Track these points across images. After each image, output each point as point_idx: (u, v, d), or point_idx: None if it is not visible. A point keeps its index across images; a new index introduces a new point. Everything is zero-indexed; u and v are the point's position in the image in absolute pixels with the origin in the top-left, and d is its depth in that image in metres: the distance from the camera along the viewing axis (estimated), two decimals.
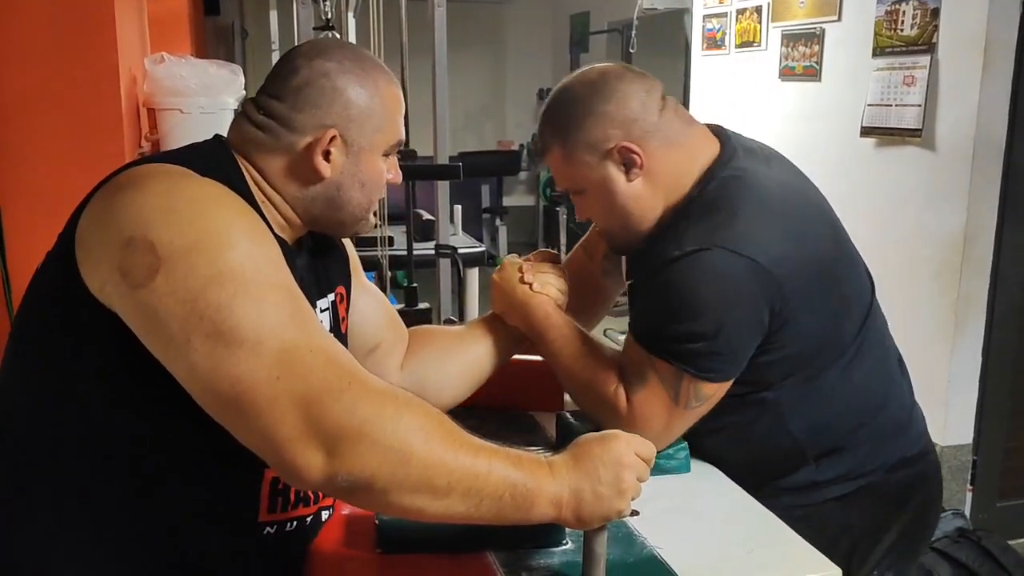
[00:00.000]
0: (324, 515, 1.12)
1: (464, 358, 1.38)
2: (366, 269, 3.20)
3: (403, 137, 1.13)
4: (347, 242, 1.29)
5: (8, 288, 1.72)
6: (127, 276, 0.86)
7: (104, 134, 1.78)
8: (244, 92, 2.09)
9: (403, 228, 2.82)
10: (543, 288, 1.37)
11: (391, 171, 1.13)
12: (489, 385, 1.56)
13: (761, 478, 1.32)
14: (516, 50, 7.85)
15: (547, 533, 1.08)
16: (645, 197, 1.29)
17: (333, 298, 1.18)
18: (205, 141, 1.08)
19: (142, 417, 0.94)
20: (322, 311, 1.14)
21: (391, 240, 2.90)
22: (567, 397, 1.56)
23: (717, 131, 1.36)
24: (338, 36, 2.83)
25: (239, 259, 0.88)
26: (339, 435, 0.85)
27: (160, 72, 1.92)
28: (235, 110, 1.14)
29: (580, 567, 1.00)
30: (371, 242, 2.79)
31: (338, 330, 1.19)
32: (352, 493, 0.89)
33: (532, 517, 0.95)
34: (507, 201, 7.72)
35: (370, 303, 1.32)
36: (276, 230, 1.03)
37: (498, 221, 7.41)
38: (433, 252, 2.76)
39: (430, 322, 2.69)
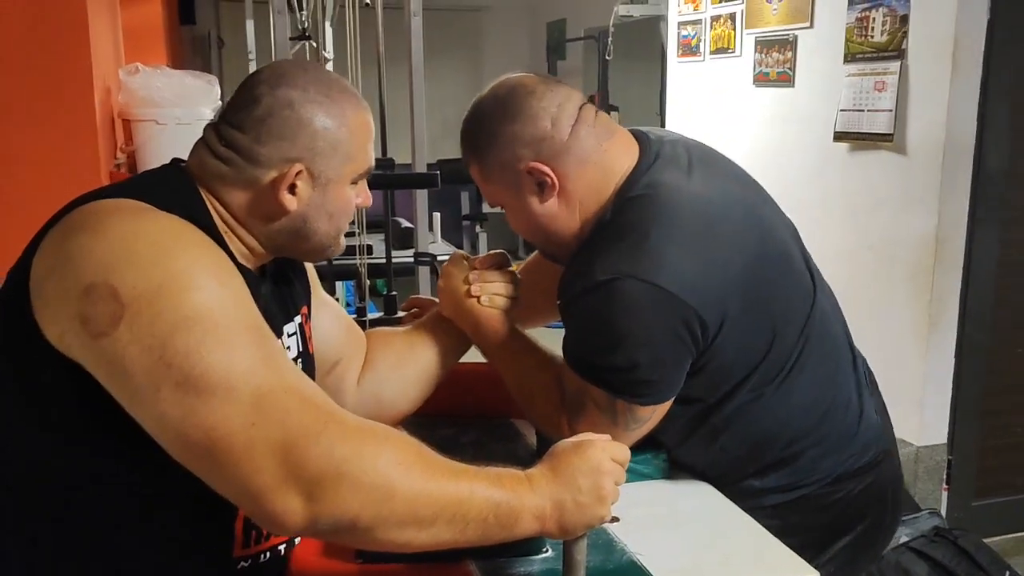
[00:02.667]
0: (297, 539, 1.10)
1: (418, 366, 1.35)
2: (344, 278, 3.20)
3: (372, 164, 1.09)
4: None
5: None
6: (88, 325, 0.83)
7: (79, 145, 1.77)
8: (220, 103, 2.08)
9: (382, 236, 2.81)
10: (491, 301, 1.33)
11: (360, 195, 1.10)
12: (469, 393, 1.57)
13: (712, 477, 1.34)
14: (494, 58, 7.87)
15: (527, 541, 1.08)
16: (561, 217, 1.27)
17: (299, 320, 1.16)
18: (164, 168, 1.04)
19: (108, 461, 0.91)
20: (290, 335, 1.12)
21: (370, 248, 2.90)
22: None
23: (639, 138, 1.31)
24: (315, 45, 2.82)
25: (205, 301, 0.85)
26: (319, 479, 0.83)
27: (135, 83, 1.91)
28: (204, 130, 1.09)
29: (561, 575, 1.01)
30: (350, 251, 2.79)
31: (307, 351, 1.17)
32: (336, 534, 0.87)
33: (517, 534, 0.94)
34: (487, 208, 7.73)
35: (329, 318, 1.28)
36: (240, 260, 1.01)
37: (478, 228, 7.41)
38: (412, 260, 2.76)
39: None
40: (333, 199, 1.04)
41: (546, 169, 1.23)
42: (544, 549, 1.10)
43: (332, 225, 1.06)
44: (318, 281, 1.30)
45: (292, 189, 1.00)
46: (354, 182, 1.07)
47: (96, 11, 1.82)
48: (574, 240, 1.28)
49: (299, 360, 1.13)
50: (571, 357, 1.26)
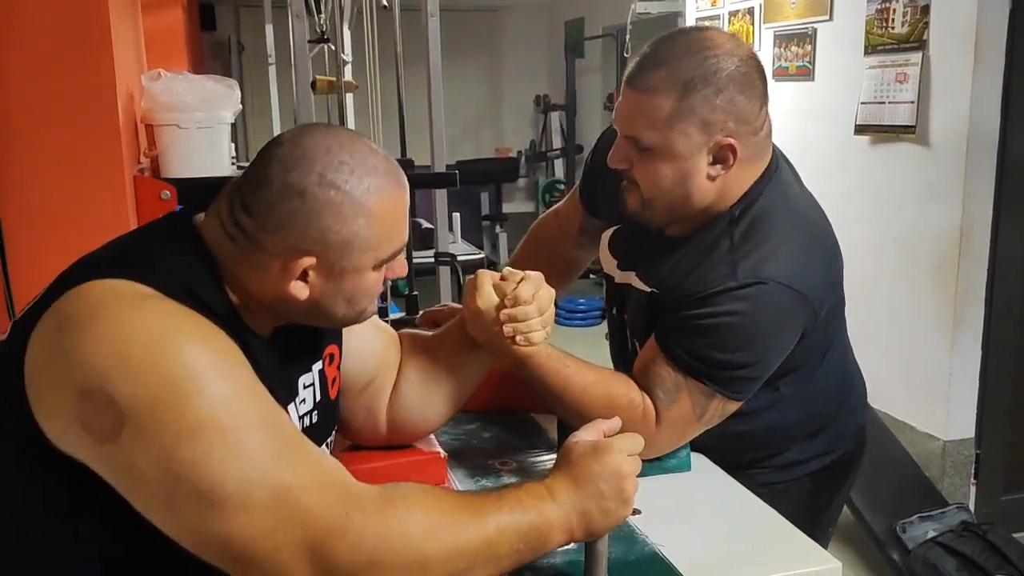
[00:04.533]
0: None
1: (447, 385, 1.27)
2: None
3: (403, 244, 0.98)
4: None
5: (11, 301, 1.73)
6: (89, 430, 0.79)
7: (102, 150, 1.80)
8: (240, 106, 2.11)
9: None
10: (528, 339, 1.19)
11: (392, 270, 1.00)
12: (491, 388, 1.58)
13: (747, 459, 1.38)
14: (512, 58, 7.88)
15: None
16: (709, 193, 1.24)
17: (321, 365, 1.10)
18: (175, 229, 0.95)
19: (104, 545, 0.88)
20: (306, 387, 1.07)
21: None
22: None
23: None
24: (333, 48, 2.84)
25: (208, 407, 0.80)
26: (352, 571, 0.83)
27: (157, 88, 1.93)
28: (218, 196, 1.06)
29: (583, 566, 1.02)
30: None
31: (326, 398, 1.11)
32: None
33: (548, 549, 0.95)
34: (507, 208, 7.73)
35: (363, 341, 1.20)
36: (252, 326, 0.96)
37: (498, 228, 7.42)
38: (432, 260, 2.77)
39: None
40: (352, 287, 0.95)
41: (737, 148, 1.20)
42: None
43: (352, 308, 0.98)
44: None
45: (304, 276, 0.93)
46: (378, 267, 0.97)
47: (119, 19, 1.85)
48: (697, 216, 1.28)
49: (314, 411, 1.08)
50: (679, 352, 1.23)
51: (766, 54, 3.61)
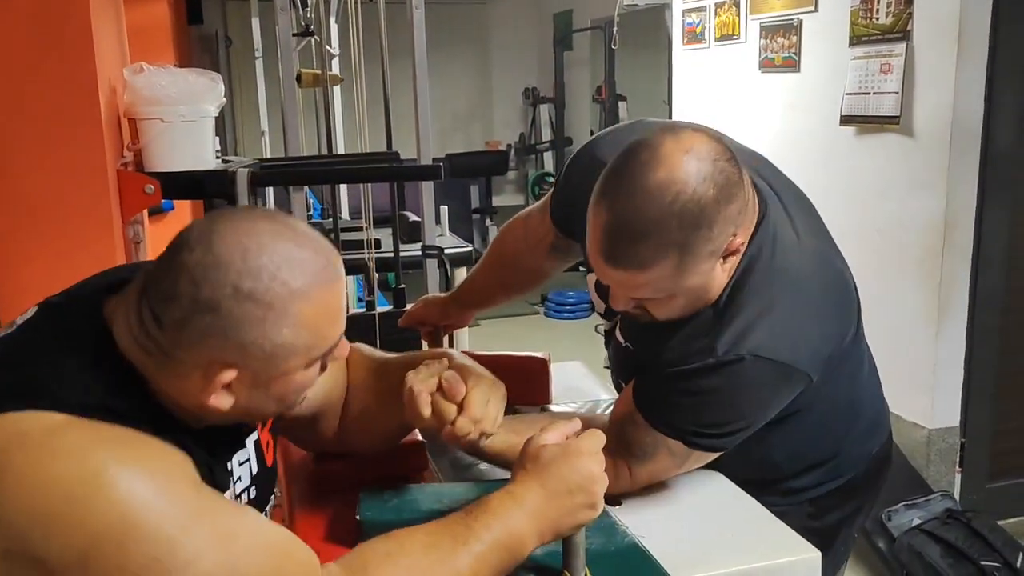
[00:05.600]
0: None
1: (397, 408, 1.11)
2: (353, 272, 3.20)
3: (339, 336, 0.89)
4: None
5: None
6: None
7: (85, 145, 1.79)
8: (224, 100, 2.10)
9: (390, 230, 2.83)
10: (490, 446, 1.12)
11: (333, 358, 0.91)
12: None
13: (741, 482, 1.30)
14: (501, 50, 7.87)
15: None
16: (721, 280, 1.16)
17: (256, 436, 1.04)
18: (83, 336, 0.84)
19: None
20: (241, 464, 1.01)
21: (378, 243, 2.92)
22: (553, 392, 1.59)
23: (756, 185, 1.20)
24: (318, 40, 2.84)
25: (151, 551, 0.73)
26: None
27: (139, 82, 1.92)
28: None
29: (560, 557, 1.02)
30: (358, 245, 2.81)
31: (263, 467, 1.05)
32: None
33: (523, 559, 0.96)
34: (496, 201, 7.74)
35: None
36: (191, 424, 0.89)
37: (488, 221, 7.43)
38: (420, 253, 2.77)
39: None
40: (282, 390, 0.88)
41: (741, 236, 1.13)
42: None
43: (285, 404, 0.92)
44: None
45: (226, 388, 0.84)
46: (311, 364, 0.88)
47: (100, 13, 1.83)
48: (698, 306, 1.17)
49: (252, 487, 1.02)
50: (658, 418, 1.18)
51: (752, 45, 3.62)
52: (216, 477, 0.90)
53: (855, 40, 3.02)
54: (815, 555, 1.10)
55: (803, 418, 1.27)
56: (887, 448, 1.50)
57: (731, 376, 1.13)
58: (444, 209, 3.47)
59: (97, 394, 0.80)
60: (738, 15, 3.69)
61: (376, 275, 2.81)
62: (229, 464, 0.98)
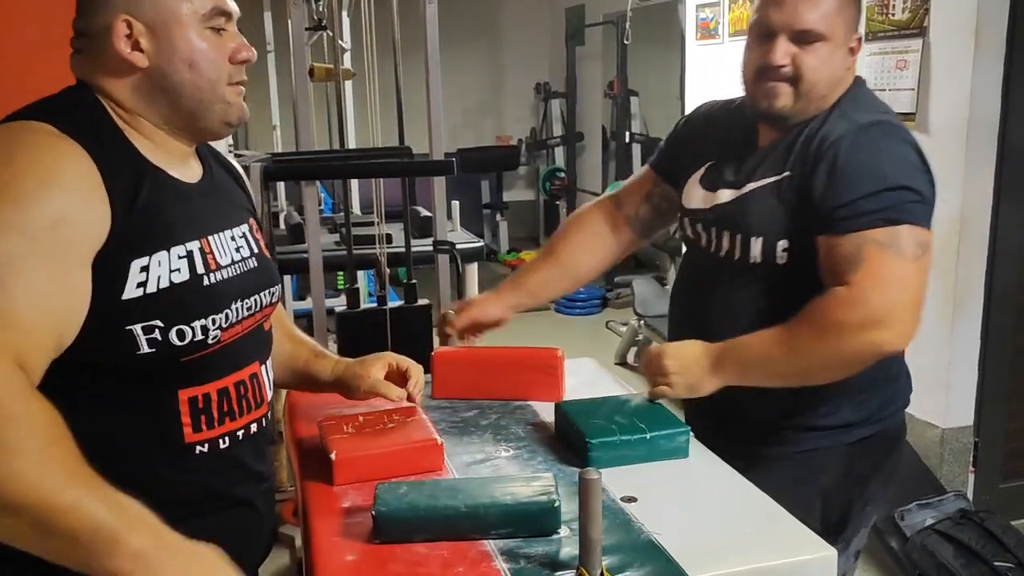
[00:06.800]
0: (253, 428, 1.16)
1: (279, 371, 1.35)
2: (365, 267, 3.21)
3: (221, 2, 1.08)
4: (249, 186, 1.31)
5: None
6: None
7: None
8: None
9: (402, 226, 2.83)
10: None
11: (238, 48, 1.10)
12: (491, 376, 1.59)
13: (795, 420, 1.40)
14: (512, 45, 7.85)
15: (543, 521, 1.10)
16: (842, 73, 1.42)
17: (247, 228, 1.19)
18: (72, 87, 1.08)
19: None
20: (240, 236, 1.16)
21: (389, 237, 2.92)
22: (566, 387, 1.58)
23: None
24: (331, 34, 2.83)
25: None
26: None
27: None
28: None
29: (577, 554, 1.02)
30: (369, 240, 2.81)
31: (262, 252, 1.21)
32: None
33: (96, 566, 0.81)
34: (507, 196, 7.73)
35: None
36: (166, 168, 1.07)
37: (498, 216, 7.42)
38: (431, 248, 2.77)
39: (430, 319, 2.71)
40: (182, 44, 1.05)
41: (857, 48, 1.44)
42: (559, 528, 1.11)
43: (197, 74, 1.06)
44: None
45: (136, 46, 1.03)
46: (212, 28, 1.07)
47: None
48: (827, 97, 1.42)
49: (251, 259, 1.16)
50: (840, 218, 1.32)
51: None
52: (194, 226, 1.07)
53: (871, 36, 3.00)
54: (831, 553, 1.09)
55: None
56: (903, 426, 1.58)
57: (881, 128, 1.37)
58: (456, 204, 3.46)
59: (90, 125, 1.02)
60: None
61: (387, 270, 2.81)
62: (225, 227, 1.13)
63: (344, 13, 3.96)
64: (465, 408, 1.56)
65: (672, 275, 5.11)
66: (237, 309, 1.11)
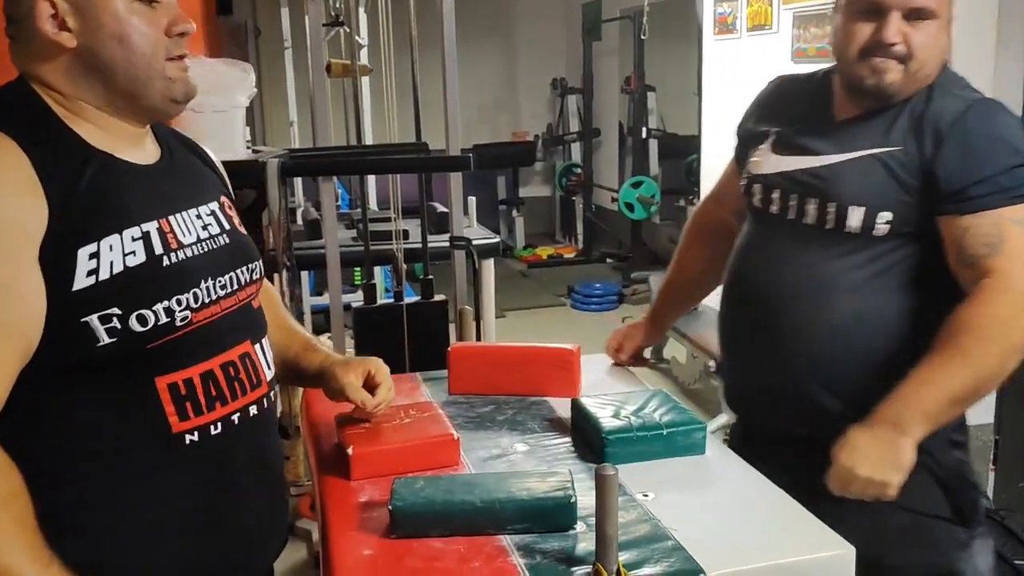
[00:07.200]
0: (253, 410, 1.12)
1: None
2: (382, 263, 3.22)
3: None
4: (222, 171, 1.27)
5: None
6: None
7: None
8: (255, 90, 2.11)
9: (418, 221, 2.83)
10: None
11: (174, 20, 1.05)
12: (507, 372, 1.59)
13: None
14: (529, 41, 7.84)
15: (559, 516, 1.10)
16: (941, 51, 1.41)
17: (217, 205, 1.15)
18: (10, 82, 1.05)
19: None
20: (208, 215, 1.12)
21: (406, 233, 2.92)
22: (583, 384, 1.58)
23: None
24: (348, 31, 2.84)
25: None
26: None
27: None
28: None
29: (593, 550, 1.02)
30: (386, 236, 2.81)
31: (235, 229, 1.16)
32: None
33: None
34: (523, 192, 7.73)
35: None
36: (114, 151, 1.04)
37: (515, 212, 7.42)
38: (448, 244, 2.77)
39: (446, 315, 2.71)
40: (110, 20, 1.01)
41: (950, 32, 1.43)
42: (575, 524, 1.10)
43: (129, 50, 1.02)
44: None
45: (64, 26, 0.99)
46: (142, 0, 1.02)
47: None
48: (930, 75, 1.41)
49: (222, 235, 1.12)
50: (976, 188, 1.31)
51: (785, 36, 3.57)
52: (149, 205, 1.03)
53: None
54: (848, 551, 1.08)
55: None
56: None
57: (988, 105, 1.39)
58: (472, 200, 3.46)
59: (28, 122, 0.99)
60: (770, 4, 3.64)
61: (404, 266, 2.81)
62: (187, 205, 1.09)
63: (361, 9, 3.97)
64: (481, 403, 1.56)
65: None
66: (209, 288, 1.07)
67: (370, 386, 1.31)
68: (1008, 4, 2.61)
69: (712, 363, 3.41)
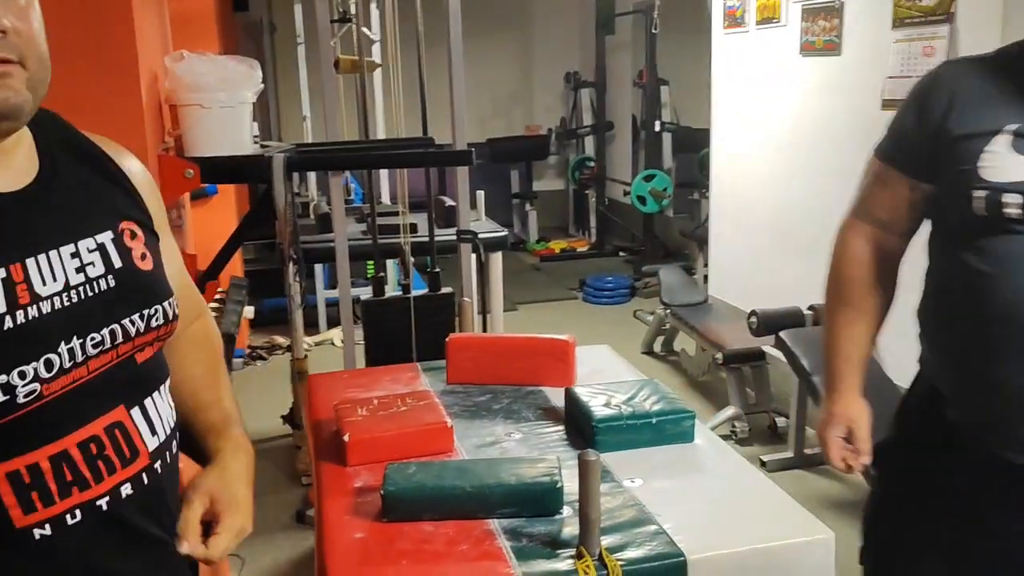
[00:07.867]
0: (126, 490, 0.88)
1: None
2: (391, 256, 3.24)
3: None
4: (145, 186, 0.99)
5: None
6: None
7: (126, 131, 1.85)
8: (262, 86, 2.15)
9: (426, 215, 2.86)
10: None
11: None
12: (504, 362, 1.62)
13: None
14: (542, 35, 7.84)
15: (545, 501, 1.13)
16: None
17: (111, 235, 0.90)
18: None
19: None
20: (91, 251, 0.88)
21: (414, 227, 2.95)
22: (581, 373, 1.61)
23: None
24: (355, 27, 2.87)
25: None
26: None
27: (180, 69, 1.98)
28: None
29: (577, 533, 1.05)
30: (394, 229, 2.85)
31: (130, 266, 0.91)
32: None
33: None
34: (537, 186, 7.73)
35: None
36: None
37: (528, 206, 7.43)
38: (455, 237, 2.80)
39: (452, 306, 2.74)
40: None
41: None
42: (561, 509, 1.13)
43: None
44: (165, 219, 1.02)
45: None
46: None
47: (141, 1, 1.89)
48: None
49: (109, 276, 0.88)
50: None
51: (793, 29, 3.57)
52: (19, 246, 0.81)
53: (897, 22, 2.97)
54: (828, 536, 1.11)
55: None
56: None
57: None
58: (480, 194, 3.49)
59: None
60: None
61: (412, 259, 2.85)
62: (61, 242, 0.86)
63: (373, 5, 4.00)
64: (478, 393, 1.59)
65: (700, 265, 5.09)
66: (73, 349, 0.83)
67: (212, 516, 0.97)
68: (1013, 7, 2.60)
69: (719, 356, 3.42)
